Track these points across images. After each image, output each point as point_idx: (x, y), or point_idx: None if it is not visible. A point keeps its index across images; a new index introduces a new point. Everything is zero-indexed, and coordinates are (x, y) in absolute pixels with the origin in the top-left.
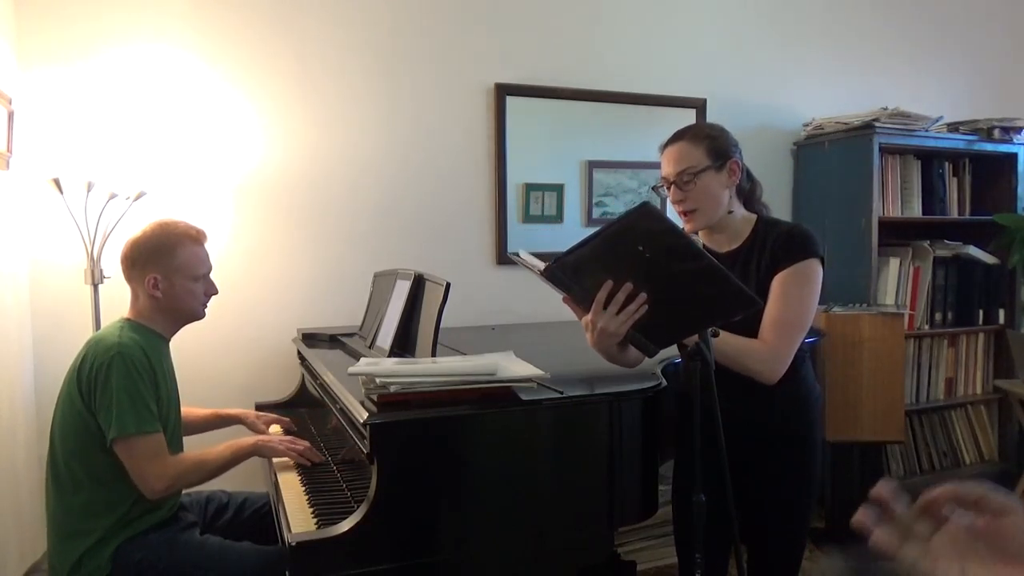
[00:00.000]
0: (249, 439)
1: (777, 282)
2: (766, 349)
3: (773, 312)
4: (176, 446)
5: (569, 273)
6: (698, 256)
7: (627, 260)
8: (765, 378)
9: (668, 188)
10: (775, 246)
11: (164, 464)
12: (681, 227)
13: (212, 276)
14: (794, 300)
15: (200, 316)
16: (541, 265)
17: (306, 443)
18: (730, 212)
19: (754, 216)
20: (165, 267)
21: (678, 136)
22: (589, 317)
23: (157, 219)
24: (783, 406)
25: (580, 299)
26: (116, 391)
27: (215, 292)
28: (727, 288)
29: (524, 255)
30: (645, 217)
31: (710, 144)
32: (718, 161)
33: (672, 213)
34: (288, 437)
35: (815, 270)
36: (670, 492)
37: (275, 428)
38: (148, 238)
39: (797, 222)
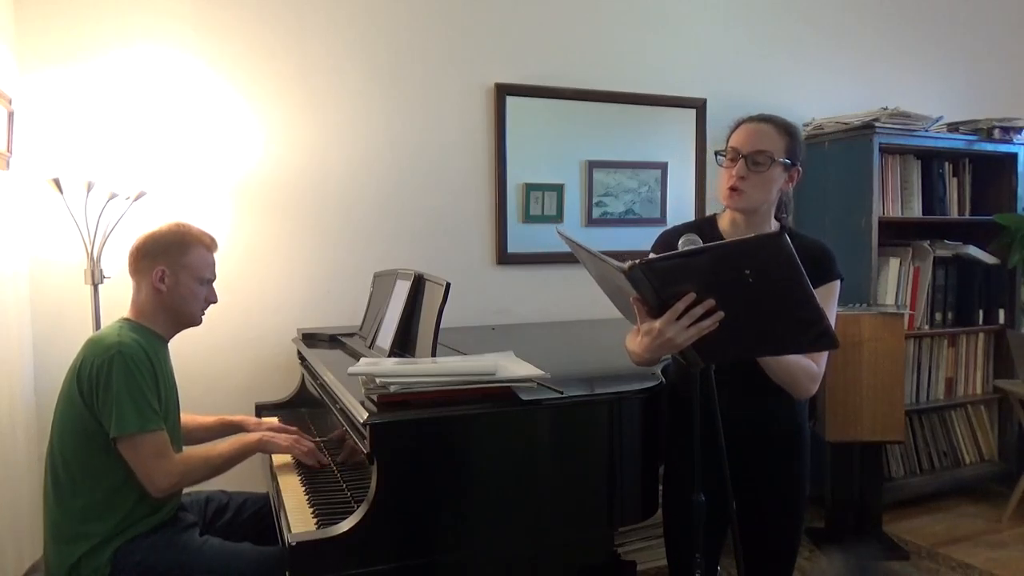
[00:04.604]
0: (255, 434)
1: None
2: (816, 370)
3: None
4: (176, 447)
5: (652, 277)
6: (806, 292)
7: (723, 278)
8: (804, 395)
9: (733, 160)
10: (807, 265)
11: (170, 461)
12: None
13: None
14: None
15: (197, 321)
16: (616, 263)
17: (311, 444)
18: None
19: (777, 224)
20: (175, 262)
21: (767, 118)
22: (657, 325)
23: (175, 220)
24: (775, 407)
25: (651, 303)
26: (117, 390)
27: (215, 300)
28: (815, 327)
29: (574, 241)
30: (779, 246)
31: (791, 143)
32: (789, 161)
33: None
34: (293, 436)
35: (838, 289)
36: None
37: None
38: (164, 233)
39: (817, 238)
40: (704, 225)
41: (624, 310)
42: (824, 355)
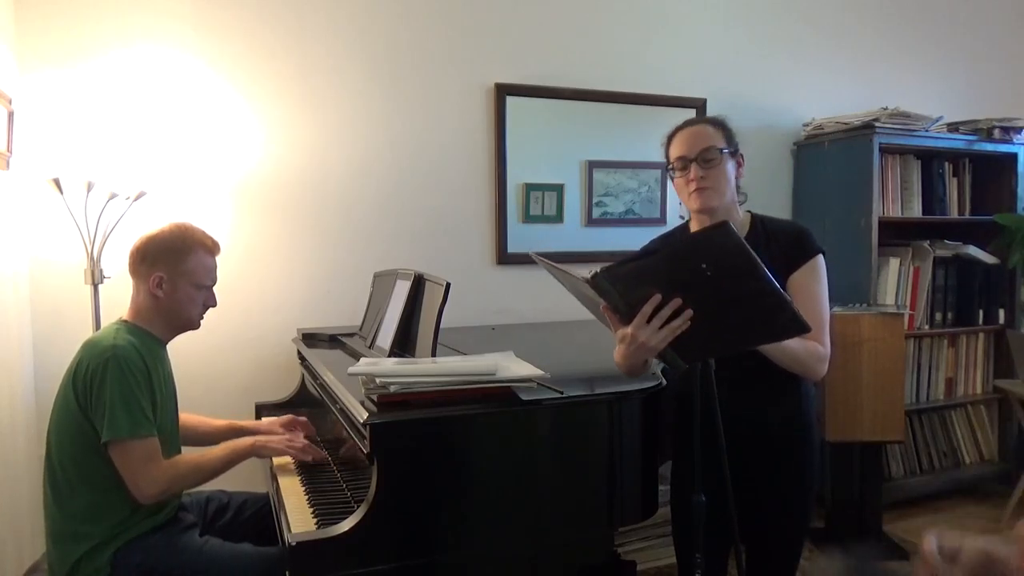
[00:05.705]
0: (247, 440)
1: (798, 283)
2: (822, 350)
3: (810, 313)
4: (174, 449)
5: (616, 283)
6: (763, 277)
7: (684, 276)
8: (818, 376)
9: (685, 168)
10: (784, 247)
11: (158, 468)
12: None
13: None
14: (818, 297)
15: (195, 326)
16: (582, 274)
17: (305, 441)
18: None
19: (748, 214)
20: (173, 269)
21: (696, 120)
22: (629, 330)
23: (177, 221)
24: (782, 406)
25: (621, 310)
26: (110, 394)
27: (214, 304)
28: (782, 312)
29: (546, 260)
30: (724, 235)
31: (726, 132)
32: (732, 148)
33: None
34: (286, 436)
35: (823, 264)
36: (669, 492)
37: None
38: (164, 237)
39: (791, 220)
40: (677, 233)
41: (605, 322)
42: (826, 333)
